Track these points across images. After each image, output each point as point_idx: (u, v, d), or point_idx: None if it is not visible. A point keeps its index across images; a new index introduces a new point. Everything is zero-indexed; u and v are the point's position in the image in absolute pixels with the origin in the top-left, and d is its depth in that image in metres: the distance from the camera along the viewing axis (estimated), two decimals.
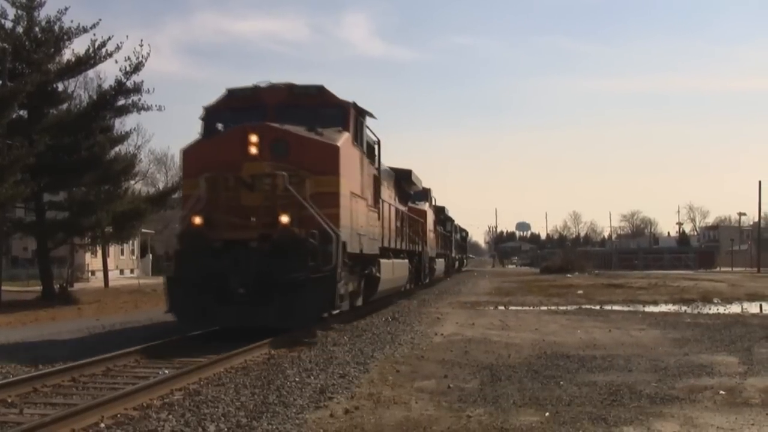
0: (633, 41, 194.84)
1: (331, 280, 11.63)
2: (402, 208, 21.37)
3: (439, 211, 37.99)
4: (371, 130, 15.64)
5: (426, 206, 28.57)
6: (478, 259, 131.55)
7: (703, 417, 6.67)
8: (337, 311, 12.42)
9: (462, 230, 63.52)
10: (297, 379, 8.27)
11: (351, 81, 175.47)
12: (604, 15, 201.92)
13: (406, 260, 20.92)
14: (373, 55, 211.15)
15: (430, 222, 29.15)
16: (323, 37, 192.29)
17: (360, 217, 13.83)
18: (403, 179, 22.14)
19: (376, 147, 16.34)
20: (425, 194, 29.30)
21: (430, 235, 29.40)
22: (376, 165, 16.13)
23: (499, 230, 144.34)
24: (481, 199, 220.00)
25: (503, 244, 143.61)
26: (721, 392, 7.79)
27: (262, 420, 6.35)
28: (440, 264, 35.68)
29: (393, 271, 17.95)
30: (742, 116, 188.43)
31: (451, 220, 47.24)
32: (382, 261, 16.25)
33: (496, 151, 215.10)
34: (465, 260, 69.97)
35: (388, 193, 18.52)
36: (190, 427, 6.06)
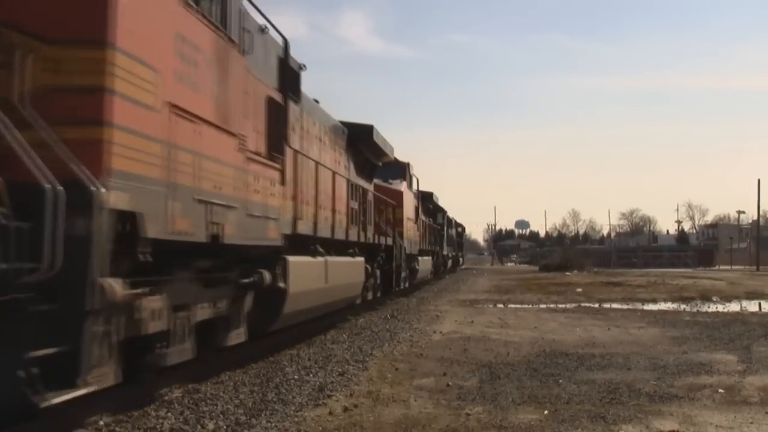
0: (632, 39, 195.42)
1: (70, 312, 4.67)
2: (363, 183, 15.64)
3: (426, 198, 31.35)
4: (266, 17, 8.75)
5: (402, 186, 21.83)
6: (477, 257, 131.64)
7: (702, 415, 6.68)
8: (92, 388, 5.01)
9: (458, 225, 57.02)
10: (296, 377, 8.27)
11: (350, 79, 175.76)
12: (603, 13, 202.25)
13: (361, 259, 14.39)
14: (371, 53, 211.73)
15: (408, 208, 22.36)
16: (321, 35, 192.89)
17: (215, 168, 6.88)
18: (361, 140, 15.24)
19: (281, 48, 9.55)
20: (401, 170, 22.32)
21: (409, 225, 22.71)
22: (277, 84, 9.16)
23: (498, 228, 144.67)
24: (479, 197, 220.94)
25: (502, 242, 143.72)
26: (720, 390, 7.79)
27: (261, 418, 6.35)
28: (425, 263, 27.85)
29: (324, 276, 11.13)
30: (742, 114, 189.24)
31: (443, 211, 40.08)
32: (293, 260, 9.38)
33: (494, 149, 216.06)
34: (461, 258, 63.31)
35: (331, 156, 12.77)
36: (189, 425, 6.05)
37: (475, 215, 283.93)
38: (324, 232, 11.67)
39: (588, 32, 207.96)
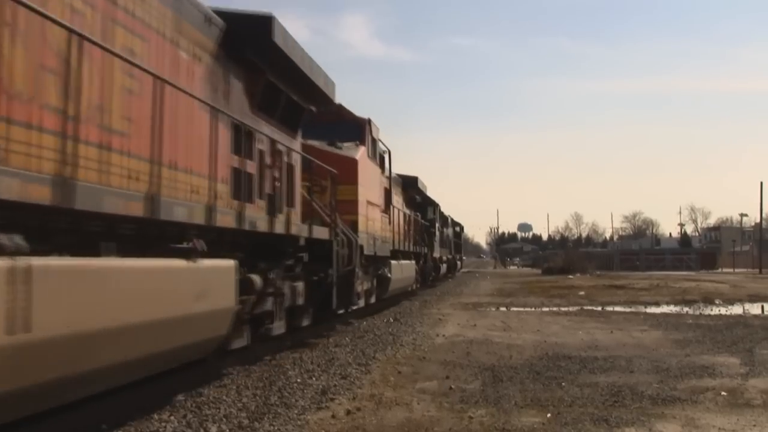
0: (634, 43, 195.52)
1: None
2: (269, 130, 9.21)
3: (409, 185, 24.28)
4: None
5: (358, 153, 14.62)
6: (480, 260, 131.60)
7: (705, 418, 6.67)
8: None
9: (455, 223, 49.31)
10: (299, 380, 8.28)
11: (351, 82, 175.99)
12: (605, 16, 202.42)
13: (226, 263, 7.49)
14: (373, 56, 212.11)
15: (369, 186, 15.52)
16: (323, 39, 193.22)
17: None
18: (254, 45, 8.33)
19: None
20: (357, 130, 15.18)
21: (373, 212, 15.75)
22: None
23: (500, 231, 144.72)
24: (482, 200, 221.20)
25: (505, 245, 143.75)
26: (723, 393, 7.79)
27: (263, 421, 6.36)
28: (405, 269, 20.72)
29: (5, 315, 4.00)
30: (744, 117, 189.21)
31: (434, 205, 32.28)
32: None
33: (497, 152, 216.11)
34: (459, 262, 54.77)
35: (159, 51, 6.50)
36: (192, 429, 6.06)
37: (478, 218, 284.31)
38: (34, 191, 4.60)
39: (590, 35, 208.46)
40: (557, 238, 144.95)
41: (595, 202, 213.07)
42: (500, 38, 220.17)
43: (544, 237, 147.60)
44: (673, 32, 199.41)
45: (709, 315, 18.69)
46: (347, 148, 14.53)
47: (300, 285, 10.54)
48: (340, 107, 13.97)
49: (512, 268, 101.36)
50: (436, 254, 33.30)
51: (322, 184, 12.08)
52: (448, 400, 7.44)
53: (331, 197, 12.05)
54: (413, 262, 23.60)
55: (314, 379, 8.45)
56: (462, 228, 57.76)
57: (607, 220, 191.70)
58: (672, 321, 16.55)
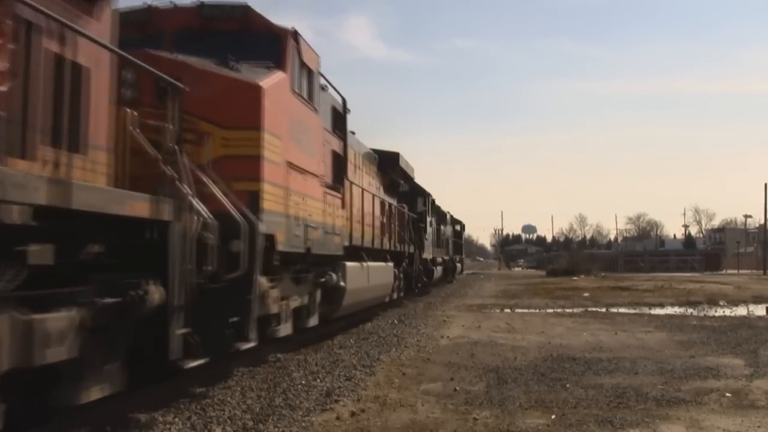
0: (638, 44, 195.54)
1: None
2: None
3: (387, 162, 18.67)
4: None
5: (269, 79, 8.42)
6: (484, 261, 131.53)
7: (710, 419, 6.67)
8: None
9: (456, 221, 43.13)
10: (303, 382, 8.29)
11: (354, 84, 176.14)
12: (609, 18, 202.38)
13: None
14: (375, 58, 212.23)
15: (298, 143, 9.34)
16: (325, 40, 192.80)
17: None
18: None
19: None
20: (273, 45, 9.09)
21: (309, 188, 9.96)
22: None
23: (505, 233, 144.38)
24: (486, 202, 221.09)
25: (509, 247, 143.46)
26: (728, 394, 7.78)
27: (268, 423, 6.37)
28: (376, 275, 14.96)
29: None
30: (748, 118, 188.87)
31: (427, 195, 26.44)
32: None
33: (501, 153, 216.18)
34: (459, 264, 46.65)
35: None
36: (197, 430, 6.08)
37: (482, 220, 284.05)
38: None
39: (593, 37, 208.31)
40: (561, 239, 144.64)
41: (600, 204, 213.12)
42: (503, 40, 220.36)
43: (549, 238, 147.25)
44: (677, 34, 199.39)
45: (714, 316, 18.67)
46: (248, 71, 8.44)
47: (67, 316, 4.83)
48: (246, 9, 9.13)
49: (516, 269, 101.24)
50: (428, 255, 26.83)
51: (201, 130, 7.42)
52: (453, 401, 7.45)
53: (170, 129, 6.52)
54: (390, 264, 17.40)
55: (318, 380, 8.46)
56: (463, 226, 49.09)
57: (611, 221, 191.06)
58: (676, 322, 16.53)
